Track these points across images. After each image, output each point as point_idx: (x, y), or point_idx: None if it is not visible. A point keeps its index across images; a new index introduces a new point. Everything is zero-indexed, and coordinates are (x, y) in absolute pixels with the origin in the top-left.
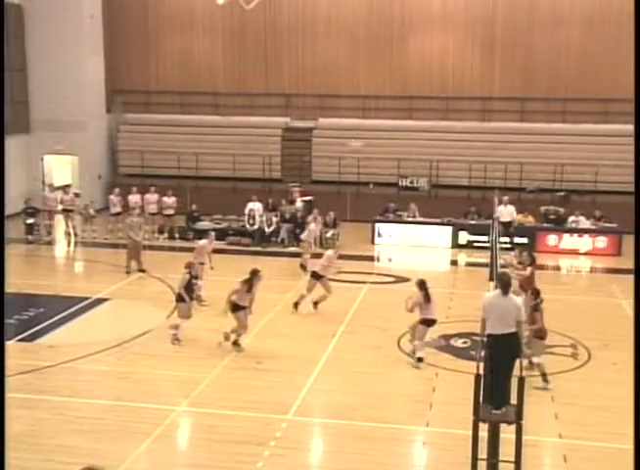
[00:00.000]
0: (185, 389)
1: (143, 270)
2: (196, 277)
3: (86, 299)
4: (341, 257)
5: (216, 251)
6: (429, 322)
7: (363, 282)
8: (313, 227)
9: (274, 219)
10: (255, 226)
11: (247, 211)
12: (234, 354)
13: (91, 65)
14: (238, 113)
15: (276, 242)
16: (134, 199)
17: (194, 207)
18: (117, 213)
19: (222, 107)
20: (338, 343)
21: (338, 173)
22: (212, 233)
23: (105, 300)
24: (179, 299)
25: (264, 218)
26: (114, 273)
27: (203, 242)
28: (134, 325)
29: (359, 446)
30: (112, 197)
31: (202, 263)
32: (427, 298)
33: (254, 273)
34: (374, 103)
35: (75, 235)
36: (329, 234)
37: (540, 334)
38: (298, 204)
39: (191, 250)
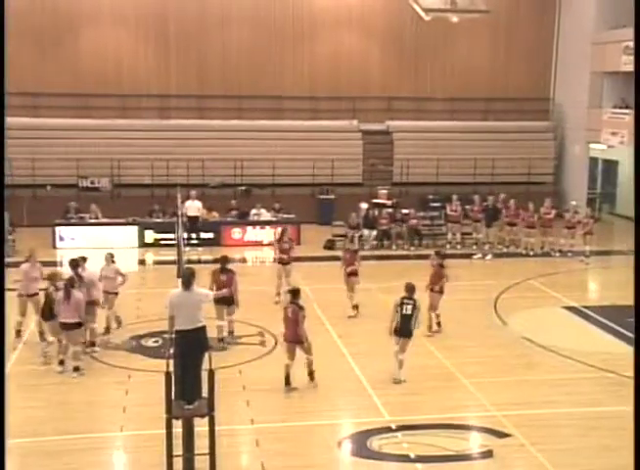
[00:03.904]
0: None
1: None
2: None
3: None
4: (19, 264)
5: None
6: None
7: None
8: None
9: None
10: None
11: None
12: None
13: None
14: None
15: None
16: None
17: None
18: None
19: None
20: (20, 355)
21: (10, 176)
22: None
23: None
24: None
25: None
26: None
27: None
28: None
29: (46, 462)
30: None
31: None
32: (67, 295)
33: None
34: (47, 101)
35: None
36: None
37: None
38: None
39: None
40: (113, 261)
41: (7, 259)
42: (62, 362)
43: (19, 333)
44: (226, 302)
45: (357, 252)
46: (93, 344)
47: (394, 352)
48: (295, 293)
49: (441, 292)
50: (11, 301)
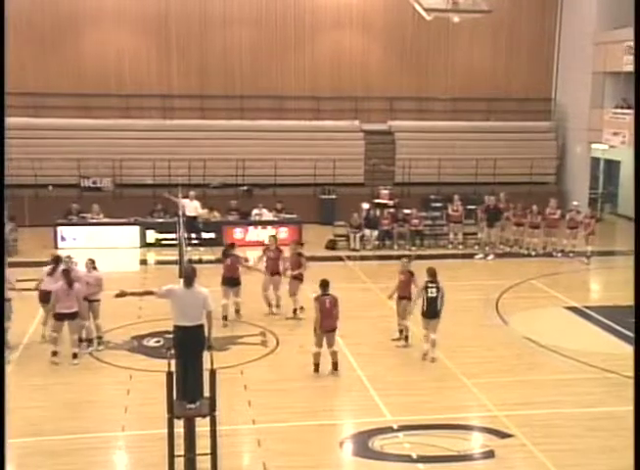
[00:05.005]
0: None
1: None
2: None
3: None
4: (21, 264)
5: None
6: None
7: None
8: None
9: None
10: None
11: None
12: None
13: None
14: None
15: None
16: None
17: None
18: None
19: None
20: (20, 355)
21: (11, 176)
22: None
23: None
24: None
25: None
26: None
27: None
28: None
29: (47, 462)
30: None
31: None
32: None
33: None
34: (49, 101)
35: None
36: None
37: None
38: None
39: None
40: (94, 268)
41: (8, 259)
42: (55, 353)
43: None
44: (231, 283)
45: (302, 255)
46: (90, 341)
47: (424, 335)
48: (325, 284)
49: (410, 298)
50: None
